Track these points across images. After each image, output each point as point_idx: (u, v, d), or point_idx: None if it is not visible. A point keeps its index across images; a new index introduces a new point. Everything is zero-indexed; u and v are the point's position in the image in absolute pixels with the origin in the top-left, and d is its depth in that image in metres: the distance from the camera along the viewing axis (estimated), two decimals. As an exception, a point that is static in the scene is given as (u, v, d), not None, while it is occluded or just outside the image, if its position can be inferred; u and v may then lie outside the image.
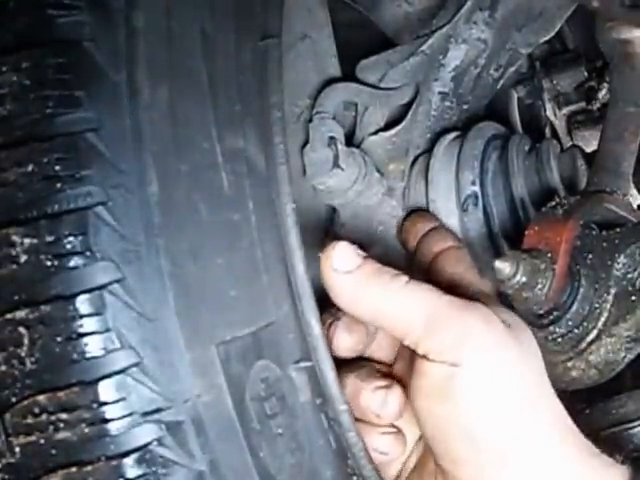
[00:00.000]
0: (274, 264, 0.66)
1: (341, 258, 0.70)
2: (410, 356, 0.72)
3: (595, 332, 0.80)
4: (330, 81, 0.89)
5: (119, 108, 0.58)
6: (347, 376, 0.74)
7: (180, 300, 0.58)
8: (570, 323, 0.81)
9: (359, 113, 0.90)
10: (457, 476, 0.69)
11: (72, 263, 0.56)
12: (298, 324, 0.67)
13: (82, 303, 0.55)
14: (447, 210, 0.88)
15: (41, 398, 0.56)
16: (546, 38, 0.97)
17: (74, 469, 0.56)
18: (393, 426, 0.76)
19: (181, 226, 0.60)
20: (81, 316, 0.55)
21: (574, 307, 0.81)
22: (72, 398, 0.55)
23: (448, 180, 0.89)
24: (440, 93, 0.92)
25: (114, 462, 0.56)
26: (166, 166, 0.60)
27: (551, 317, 0.81)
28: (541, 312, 0.80)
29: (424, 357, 0.69)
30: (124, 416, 0.56)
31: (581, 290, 0.81)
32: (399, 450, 0.76)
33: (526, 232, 0.80)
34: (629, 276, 0.80)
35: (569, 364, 0.81)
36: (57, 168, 0.56)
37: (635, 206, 0.94)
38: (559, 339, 0.81)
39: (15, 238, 0.56)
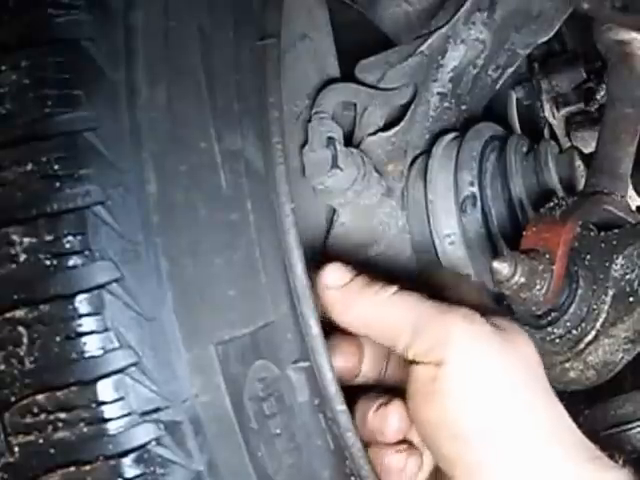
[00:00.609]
0: (273, 264, 0.66)
1: (332, 275, 0.74)
2: (403, 366, 0.73)
3: (593, 333, 0.81)
4: (329, 81, 0.89)
5: (118, 107, 0.58)
6: (357, 403, 0.76)
7: (178, 300, 0.58)
8: (568, 324, 0.81)
9: (358, 113, 0.90)
10: (455, 476, 0.69)
11: (71, 262, 0.56)
12: (297, 324, 0.67)
13: (81, 302, 0.55)
14: (445, 210, 0.88)
15: (40, 397, 0.56)
16: (544, 39, 0.97)
17: (73, 468, 0.56)
18: (406, 441, 0.76)
19: (180, 225, 0.60)
20: (80, 315, 0.55)
21: (572, 308, 0.81)
22: (71, 397, 0.55)
23: (446, 180, 0.89)
24: (439, 93, 0.92)
25: (112, 462, 0.56)
26: (165, 165, 0.60)
27: (549, 318, 0.81)
28: (539, 313, 0.81)
29: (413, 361, 0.70)
30: (122, 416, 0.56)
31: (579, 291, 0.81)
32: (416, 464, 0.76)
33: (524, 233, 0.80)
34: (627, 277, 0.80)
35: (567, 365, 0.82)
36: (56, 167, 0.56)
37: (633, 207, 0.94)
38: (557, 340, 0.81)
39: (14, 237, 0.56)
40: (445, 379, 0.68)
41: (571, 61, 1.15)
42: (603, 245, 0.81)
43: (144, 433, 0.56)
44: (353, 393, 0.79)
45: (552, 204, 0.82)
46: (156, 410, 0.57)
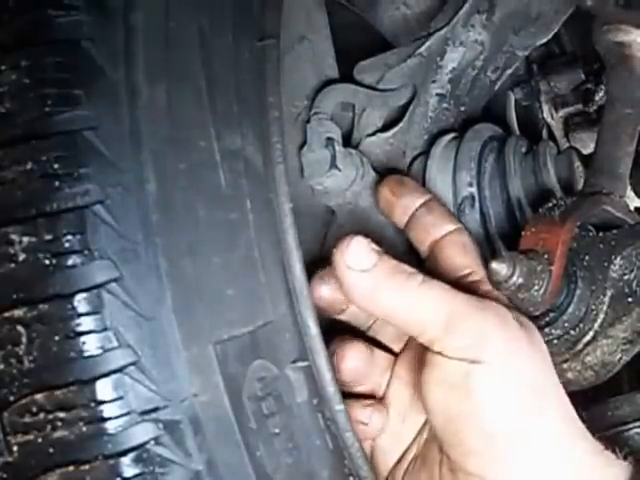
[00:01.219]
0: (271, 264, 0.66)
1: (356, 255, 0.69)
2: (418, 346, 0.73)
3: (591, 334, 0.80)
4: (328, 82, 0.90)
5: (117, 107, 0.58)
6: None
7: (178, 299, 0.59)
8: (566, 325, 0.81)
9: (357, 114, 0.91)
10: (466, 467, 0.70)
11: (70, 262, 0.56)
12: (295, 324, 0.67)
13: (80, 302, 0.56)
14: (444, 211, 0.88)
15: (39, 397, 0.56)
16: (543, 41, 0.97)
17: (71, 468, 0.56)
18: (373, 397, 0.78)
19: (179, 225, 0.60)
20: (79, 315, 0.55)
21: (570, 308, 0.81)
22: (70, 397, 0.55)
23: (445, 181, 0.89)
24: (437, 95, 0.92)
25: (111, 461, 0.56)
26: (164, 165, 0.60)
27: (547, 318, 0.81)
28: (537, 313, 0.80)
29: (440, 353, 0.69)
30: (121, 415, 0.56)
31: (577, 292, 0.81)
32: (380, 421, 0.78)
33: (523, 233, 0.80)
34: (625, 278, 0.80)
35: (565, 365, 0.81)
36: (56, 166, 0.56)
37: (632, 208, 0.94)
38: (555, 340, 0.81)
39: (13, 237, 0.56)
40: (480, 378, 0.68)
41: (570, 63, 1.15)
42: (602, 246, 0.81)
43: (143, 432, 0.56)
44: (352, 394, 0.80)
45: (551, 204, 0.82)
46: (155, 409, 0.57)
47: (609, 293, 0.80)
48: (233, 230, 0.64)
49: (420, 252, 0.82)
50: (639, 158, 0.97)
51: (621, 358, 0.81)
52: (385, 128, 0.91)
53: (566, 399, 0.72)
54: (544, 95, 1.15)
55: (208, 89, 0.64)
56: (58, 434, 0.56)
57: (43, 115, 0.56)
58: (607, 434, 0.88)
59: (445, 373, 0.69)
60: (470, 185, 0.89)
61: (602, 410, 0.90)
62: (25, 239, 0.56)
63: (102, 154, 0.57)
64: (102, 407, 0.55)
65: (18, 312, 0.56)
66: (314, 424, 0.67)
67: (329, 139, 0.84)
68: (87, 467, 0.55)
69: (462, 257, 0.78)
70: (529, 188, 0.90)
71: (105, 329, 0.56)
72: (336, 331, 0.80)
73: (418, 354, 0.75)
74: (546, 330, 0.81)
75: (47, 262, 0.55)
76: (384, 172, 0.88)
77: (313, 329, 0.67)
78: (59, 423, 0.56)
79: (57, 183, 0.56)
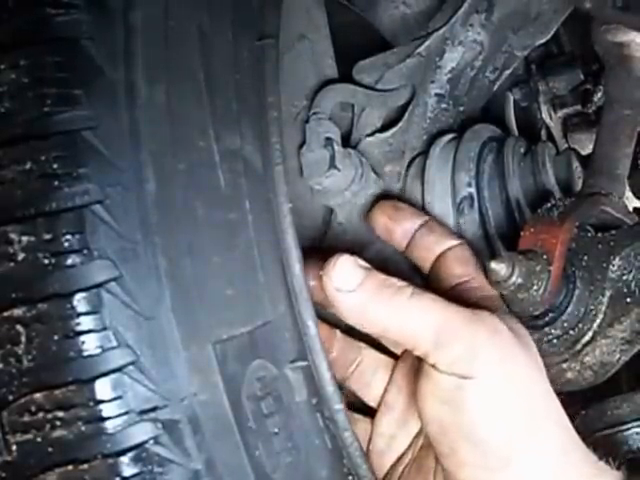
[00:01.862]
0: (271, 263, 0.66)
1: (343, 277, 0.68)
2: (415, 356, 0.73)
3: (590, 334, 0.80)
4: (327, 82, 0.90)
5: (117, 106, 0.58)
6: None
7: (177, 298, 0.59)
8: (565, 325, 0.81)
9: (356, 114, 0.91)
10: (459, 477, 0.69)
11: (69, 261, 0.56)
12: (294, 324, 0.67)
13: (79, 301, 0.55)
14: (443, 212, 0.88)
15: (38, 396, 0.55)
16: (542, 41, 0.97)
17: (70, 467, 0.56)
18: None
19: (178, 224, 0.60)
20: (78, 314, 0.55)
21: (569, 309, 0.81)
22: (69, 396, 0.55)
23: (444, 182, 0.89)
24: (436, 95, 0.92)
25: (110, 460, 0.55)
26: (163, 164, 0.60)
27: (546, 319, 0.81)
28: (536, 314, 0.80)
29: (433, 366, 0.69)
30: (120, 414, 0.56)
31: (576, 292, 0.81)
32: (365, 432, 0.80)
33: (522, 234, 0.80)
34: (624, 278, 0.80)
35: (564, 365, 0.81)
36: (55, 166, 0.56)
37: (630, 208, 0.94)
38: (554, 341, 0.81)
39: (13, 236, 0.56)
40: (472, 392, 0.68)
41: (569, 63, 1.15)
42: (600, 246, 0.81)
43: (142, 432, 0.56)
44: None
45: (549, 205, 0.82)
46: (154, 409, 0.57)
47: (608, 293, 0.80)
48: (232, 230, 0.64)
49: (423, 269, 0.82)
50: (638, 159, 0.97)
51: (620, 358, 0.81)
52: (384, 128, 0.91)
53: (561, 409, 0.71)
54: (543, 96, 1.15)
55: (207, 89, 0.64)
56: (57, 433, 0.55)
57: (42, 115, 0.56)
58: (606, 434, 0.88)
59: (438, 386, 0.69)
60: (469, 185, 0.89)
61: (601, 410, 0.90)
62: (24, 238, 0.56)
63: (101, 154, 0.57)
64: (101, 406, 0.55)
65: (17, 311, 0.55)
66: (313, 424, 0.67)
67: (328, 139, 0.84)
68: (86, 466, 0.55)
69: (462, 267, 0.78)
70: (528, 189, 0.90)
71: (104, 328, 0.56)
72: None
73: (415, 363, 0.75)
74: (545, 330, 0.81)
75: (46, 261, 0.55)
76: (376, 198, 0.88)
77: (312, 329, 0.67)
78: (58, 422, 0.55)
79: (56, 183, 0.56)
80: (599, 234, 0.82)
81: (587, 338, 0.80)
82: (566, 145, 1.19)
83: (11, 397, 0.56)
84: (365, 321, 0.70)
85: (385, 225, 0.83)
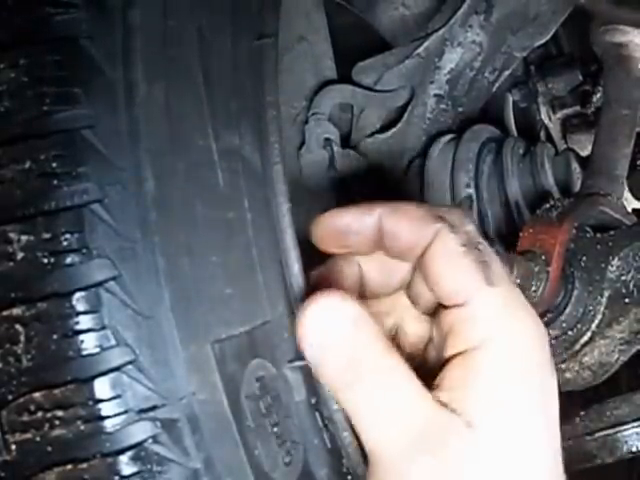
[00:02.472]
0: (270, 263, 0.66)
1: (317, 331, 0.58)
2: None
3: (589, 334, 0.81)
4: (326, 83, 0.90)
5: (116, 105, 0.58)
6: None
7: (176, 298, 0.58)
8: (564, 325, 0.81)
9: (355, 115, 0.91)
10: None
11: (68, 260, 0.55)
12: (293, 323, 0.67)
13: (78, 300, 0.55)
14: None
15: (37, 395, 0.55)
16: (541, 42, 0.98)
17: (70, 466, 0.55)
18: None
19: (177, 224, 0.60)
20: (77, 313, 0.55)
21: (568, 309, 0.81)
22: (68, 395, 0.55)
23: (443, 182, 0.89)
24: (435, 95, 0.93)
25: (109, 459, 0.55)
26: (162, 164, 0.60)
27: (545, 319, 0.81)
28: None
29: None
30: (119, 413, 0.56)
31: (575, 292, 0.81)
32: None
33: (521, 234, 0.80)
34: (623, 278, 0.81)
35: (563, 366, 0.82)
36: (54, 165, 0.56)
37: (629, 209, 0.94)
38: (553, 341, 0.81)
39: (12, 235, 0.56)
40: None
41: (567, 64, 1.15)
42: (599, 246, 0.81)
43: (141, 431, 0.56)
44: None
45: (548, 206, 0.82)
46: (153, 408, 0.57)
47: (606, 294, 0.80)
48: (231, 229, 0.64)
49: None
50: (636, 159, 0.97)
51: (618, 358, 0.81)
52: (383, 129, 0.91)
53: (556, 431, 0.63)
54: (542, 97, 1.15)
55: (206, 88, 0.64)
56: (56, 432, 0.55)
57: (41, 114, 0.56)
58: (605, 434, 0.88)
59: None
60: (468, 186, 0.89)
61: (601, 410, 0.90)
62: (23, 237, 0.56)
63: (100, 153, 0.57)
64: (100, 405, 0.55)
65: (16, 311, 0.55)
66: (312, 423, 0.67)
67: (327, 140, 0.84)
68: (85, 465, 0.55)
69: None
70: (527, 189, 0.90)
71: (103, 328, 0.56)
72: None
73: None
74: (544, 330, 0.81)
75: (45, 261, 0.55)
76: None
77: (311, 329, 0.67)
78: (57, 422, 0.55)
79: (55, 182, 0.56)
80: (598, 235, 0.83)
81: (586, 338, 0.80)
82: (565, 146, 1.19)
83: (10, 396, 0.56)
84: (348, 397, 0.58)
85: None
